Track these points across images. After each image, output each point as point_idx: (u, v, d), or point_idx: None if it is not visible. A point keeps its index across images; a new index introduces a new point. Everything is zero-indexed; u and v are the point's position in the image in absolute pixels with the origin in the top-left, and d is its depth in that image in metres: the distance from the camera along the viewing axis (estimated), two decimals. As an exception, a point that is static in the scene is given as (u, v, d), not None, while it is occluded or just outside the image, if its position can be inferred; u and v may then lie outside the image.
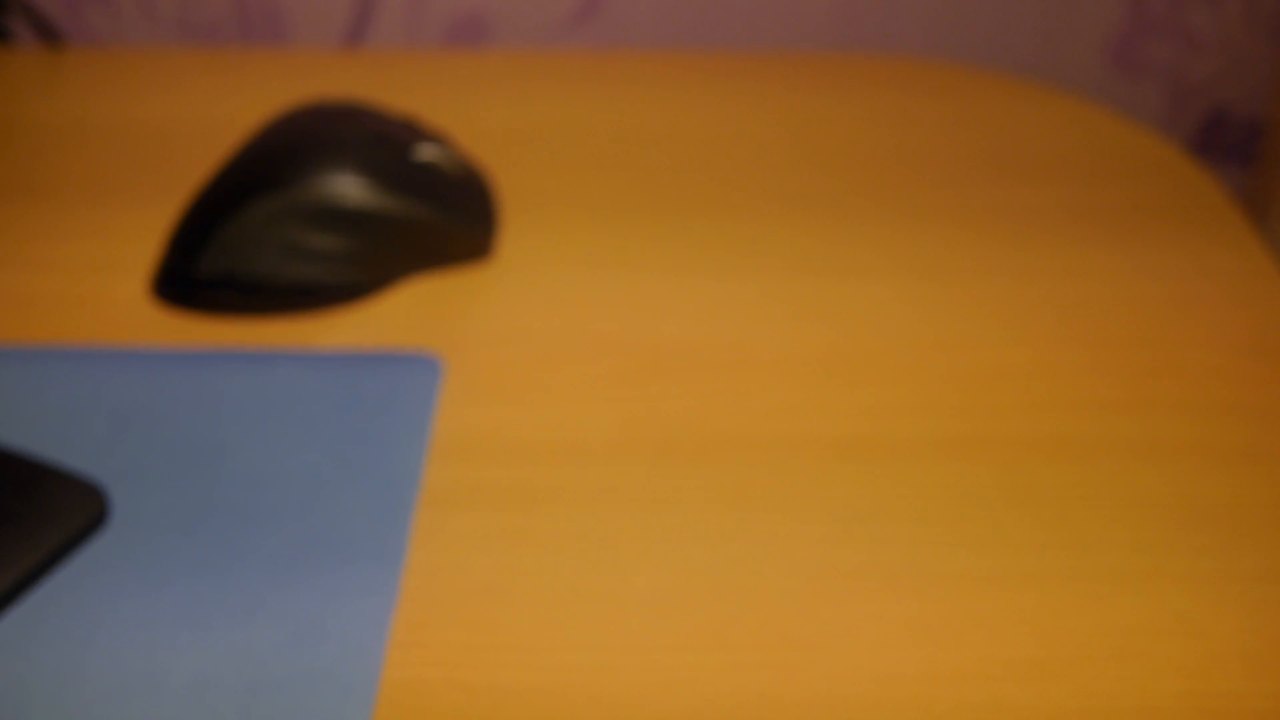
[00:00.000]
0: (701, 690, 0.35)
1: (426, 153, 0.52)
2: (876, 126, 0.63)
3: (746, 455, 0.43)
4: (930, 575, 0.39)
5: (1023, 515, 0.41)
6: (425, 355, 0.47)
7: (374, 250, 0.50)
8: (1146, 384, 0.46)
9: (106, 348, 0.47)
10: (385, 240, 0.50)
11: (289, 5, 0.75)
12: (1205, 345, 0.48)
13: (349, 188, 0.49)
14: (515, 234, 0.54)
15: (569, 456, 0.43)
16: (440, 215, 0.51)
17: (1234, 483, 0.42)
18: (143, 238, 0.53)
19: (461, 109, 0.63)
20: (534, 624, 0.37)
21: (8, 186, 0.58)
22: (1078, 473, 0.42)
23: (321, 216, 0.49)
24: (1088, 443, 0.44)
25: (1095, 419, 0.45)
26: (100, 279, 0.51)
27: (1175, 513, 0.41)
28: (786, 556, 0.39)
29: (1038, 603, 0.38)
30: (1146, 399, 0.45)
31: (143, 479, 0.41)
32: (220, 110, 0.63)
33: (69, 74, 0.68)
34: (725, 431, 0.44)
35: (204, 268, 0.49)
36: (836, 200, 0.57)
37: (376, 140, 0.51)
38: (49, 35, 0.72)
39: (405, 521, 0.40)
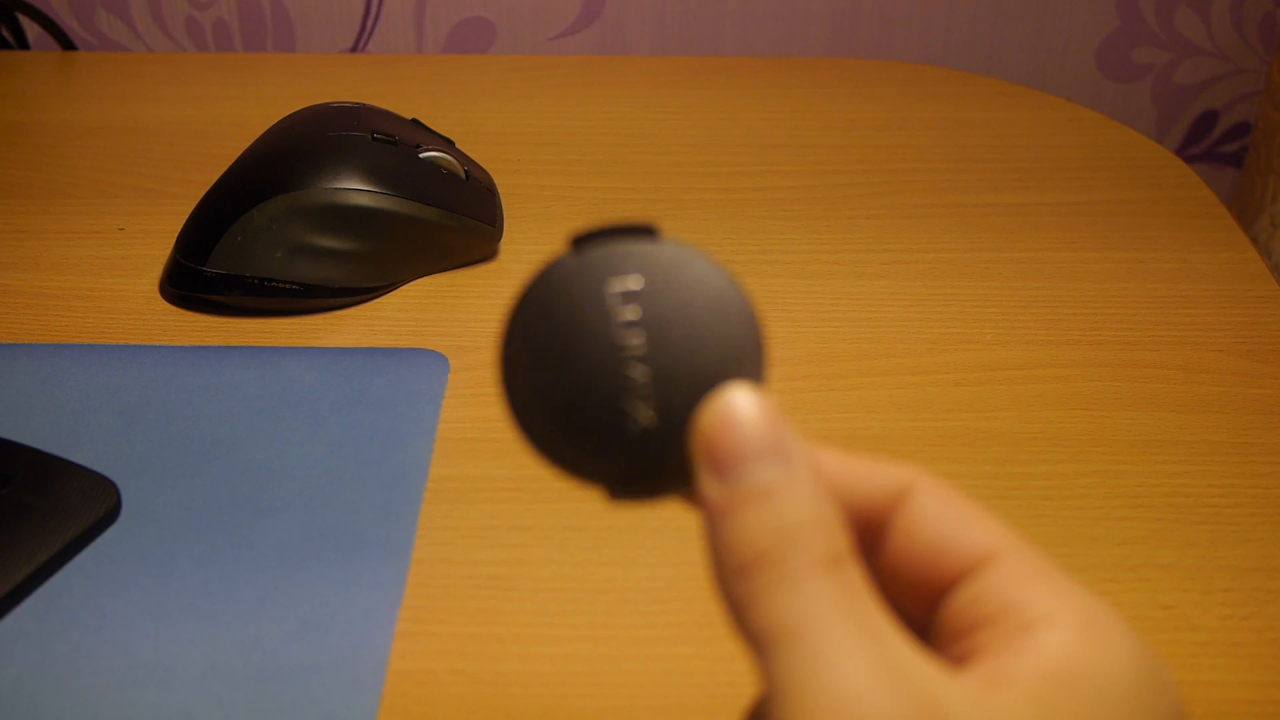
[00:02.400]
0: (700, 680, 0.36)
1: (432, 155, 0.52)
2: (874, 129, 0.64)
3: (745, 451, 0.43)
4: (924, 568, 0.39)
5: (1014, 510, 0.41)
6: (431, 353, 0.48)
7: (380, 251, 0.50)
8: (1136, 380, 0.47)
9: (119, 345, 0.48)
10: (391, 241, 0.50)
11: (299, 15, 0.75)
12: (1194, 343, 0.49)
13: (356, 189, 0.49)
14: (518, 234, 0.55)
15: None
16: (445, 216, 0.51)
17: (1221, 477, 0.42)
18: (153, 238, 0.54)
19: (466, 112, 0.64)
20: (536, 615, 0.38)
21: (22, 188, 0.58)
22: (1068, 468, 0.43)
23: (329, 217, 0.49)
24: (1078, 438, 0.44)
25: (1086, 415, 0.45)
26: (112, 278, 0.52)
27: (1163, 507, 0.41)
28: (783, 550, 0.40)
29: (1029, 595, 0.38)
30: (1136, 395, 0.46)
31: (154, 473, 0.42)
32: (229, 112, 0.64)
33: (82, 78, 0.69)
34: (724, 428, 0.44)
35: (214, 267, 0.49)
36: (833, 202, 0.58)
37: (383, 142, 0.51)
38: (62, 41, 0.73)
39: (411, 515, 0.41)
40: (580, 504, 0.41)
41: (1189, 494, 0.42)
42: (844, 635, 0.20)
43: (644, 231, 0.23)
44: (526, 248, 0.54)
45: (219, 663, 0.36)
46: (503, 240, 0.54)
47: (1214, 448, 0.44)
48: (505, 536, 0.40)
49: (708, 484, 0.22)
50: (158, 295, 0.51)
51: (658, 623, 0.37)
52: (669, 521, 0.41)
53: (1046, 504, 0.41)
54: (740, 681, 0.36)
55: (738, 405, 0.22)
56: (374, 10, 0.75)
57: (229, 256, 0.49)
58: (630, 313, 0.23)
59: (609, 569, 0.39)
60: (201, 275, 0.49)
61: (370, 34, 0.76)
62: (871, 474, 0.24)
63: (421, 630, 0.37)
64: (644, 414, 0.23)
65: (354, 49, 0.77)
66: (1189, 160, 0.79)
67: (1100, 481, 0.42)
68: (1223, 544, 0.40)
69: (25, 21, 0.74)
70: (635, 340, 0.23)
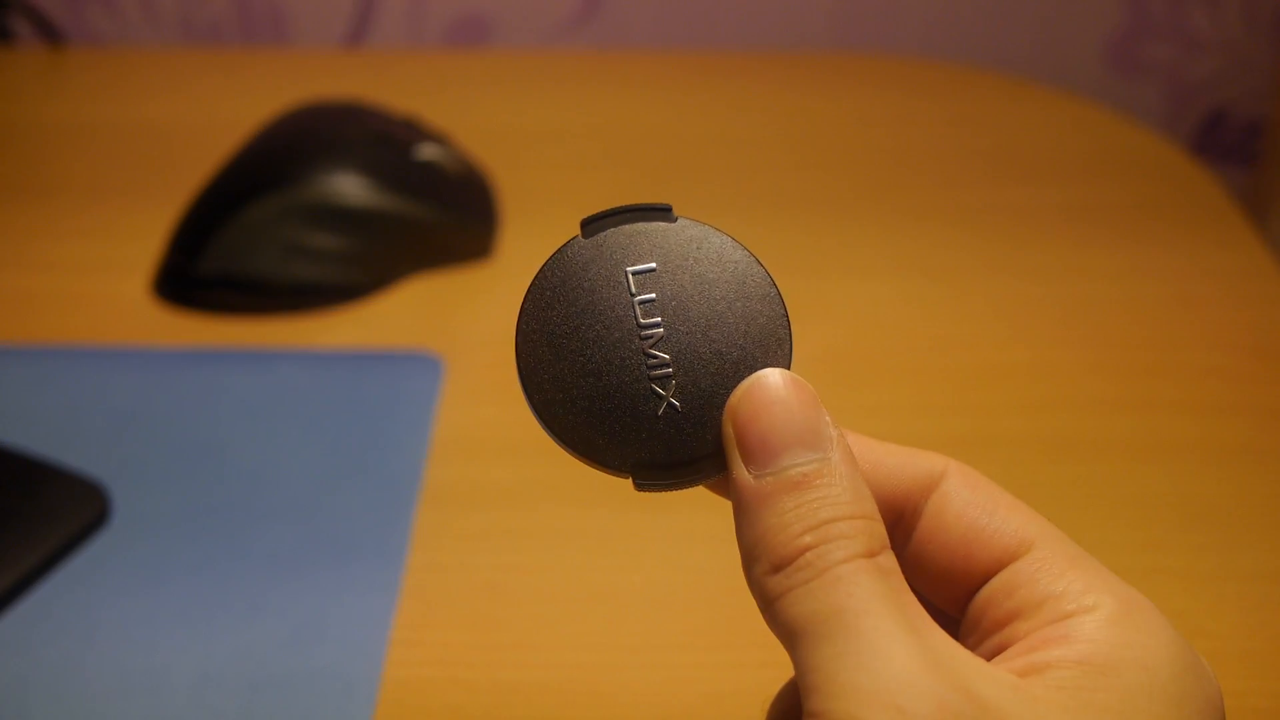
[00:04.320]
0: (701, 688, 0.35)
1: (427, 152, 0.52)
2: (876, 126, 0.63)
3: (747, 454, 0.43)
4: (930, 574, 0.39)
5: (1022, 514, 0.41)
6: (426, 354, 0.47)
7: (375, 249, 0.50)
8: (1146, 382, 0.46)
9: (108, 347, 0.47)
10: (386, 239, 0.50)
11: (291, 6, 0.75)
12: (1205, 344, 0.48)
13: (350, 187, 0.49)
14: (515, 233, 0.54)
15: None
16: (441, 215, 0.51)
17: (1233, 481, 0.42)
18: (145, 237, 0.53)
19: (462, 109, 0.63)
20: (534, 622, 0.37)
21: (10, 186, 0.58)
22: (1077, 471, 0.42)
23: (322, 216, 0.49)
24: (1087, 441, 0.44)
25: (1095, 417, 0.45)
26: (102, 279, 0.51)
27: (1175, 511, 0.41)
28: (786, 555, 0.39)
29: (1037, 601, 0.38)
30: (1146, 397, 0.45)
31: (144, 478, 0.41)
32: (222, 110, 0.63)
33: (71, 74, 0.68)
34: (725, 430, 0.44)
35: (206, 267, 0.49)
36: (836, 200, 0.57)
37: (377, 140, 0.51)
38: (51, 35, 0.72)
39: (406, 520, 0.40)
40: (579, 508, 0.41)
41: (1200, 498, 0.41)
42: (887, 624, 0.20)
43: (657, 210, 0.23)
44: (524, 246, 0.54)
45: (211, 670, 0.35)
46: (500, 238, 0.54)
47: (1226, 451, 0.43)
48: (502, 542, 0.40)
49: (741, 472, 0.21)
50: (149, 296, 0.50)
51: (658, 630, 0.37)
52: (669, 527, 0.40)
53: (1055, 507, 0.40)
54: (741, 689, 0.35)
55: (771, 389, 0.21)
56: (369, 6, 0.75)
57: (221, 256, 0.48)
58: (648, 295, 0.22)
59: (608, 575, 0.39)
60: (194, 275, 0.49)
61: (365, 25, 0.75)
62: (902, 462, 0.23)
63: (417, 637, 0.37)
64: (669, 398, 0.22)
65: (349, 40, 0.76)
66: (1199, 158, 0.79)
67: (1110, 485, 0.42)
68: (1235, 549, 0.39)
69: (12, 15, 0.73)
70: (655, 323, 0.22)
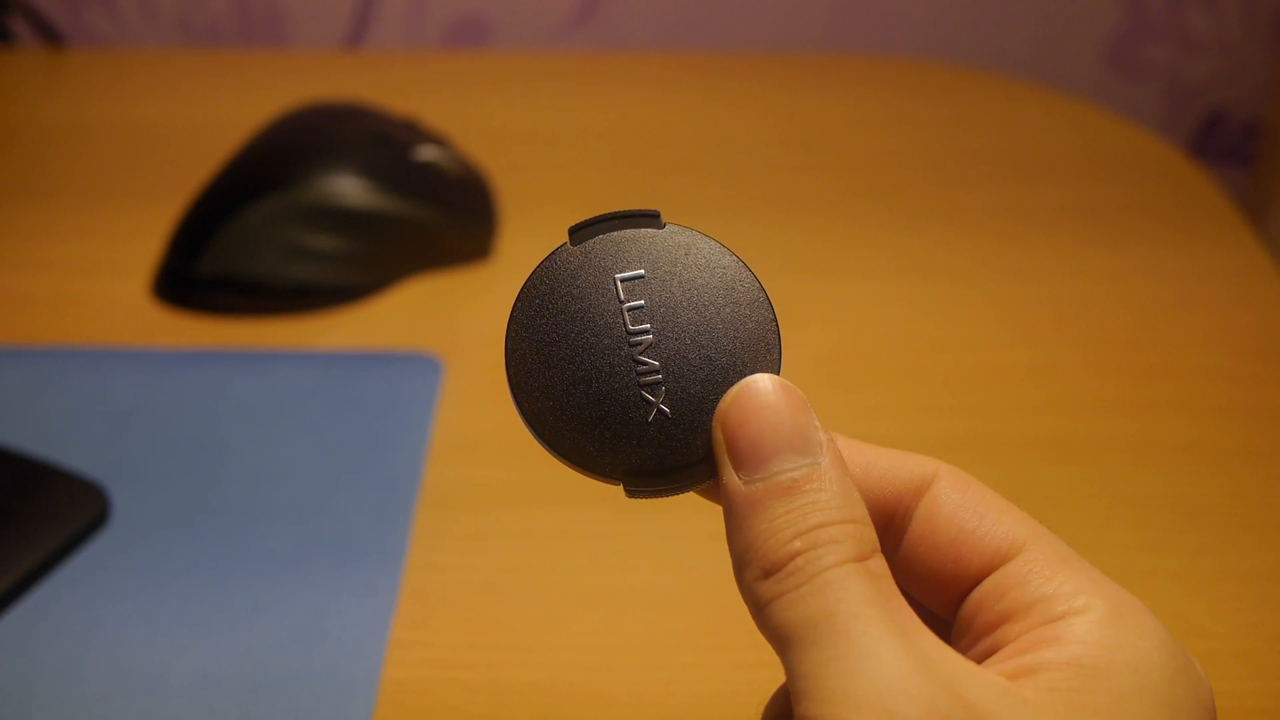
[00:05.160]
0: (700, 689, 0.35)
1: (426, 153, 0.52)
2: (876, 127, 0.63)
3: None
4: (929, 574, 0.39)
5: (1021, 514, 0.41)
6: (425, 355, 0.47)
7: (374, 250, 0.50)
8: (1145, 384, 0.46)
9: (108, 348, 0.47)
10: (385, 240, 0.50)
11: (289, 6, 0.75)
12: (1203, 345, 0.48)
13: (349, 188, 0.49)
14: (514, 233, 0.54)
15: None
16: (440, 216, 0.51)
17: (1232, 482, 0.42)
18: (144, 238, 0.53)
19: (461, 110, 0.63)
20: (533, 623, 0.37)
21: (9, 186, 0.58)
22: (1077, 472, 0.42)
23: (322, 217, 0.49)
24: (1086, 442, 0.43)
25: (1094, 419, 0.44)
26: (101, 279, 0.51)
27: (1173, 512, 0.41)
28: (785, 556, 0.39)
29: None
30: (1145, 399, 0.45)
31: (144, 478, 0.41)
32: (221, 111, 0.63)
33: (70, 75, 0.68)
34: (724, 431, 0.44)
35: (205, 268, 0.49)
36: (835, 201, 0.57)
37: (376, 141, 0.51)
38: (50, 36, 0.72)
39: (406, 521, 0.40)
40: (578, 509, 0.41)
41: (1199, 498, 0.41)
42: (877, 629, 0.20)
43: (645, 217, 0.23)
44: (522, 247, 0.53)
45: (210, 671, 0.35)
46: (499, 239, 0.54)
47: (1225, 452, 0.43)
48: (501, 543, 0.40)
49: (731, 477, 0.21)
50: (148, 297, 0.50)
51: (656, 631, 0.37)
52: (667, 528, 0.40)
53: (1054, 509, 0.41)
54: (741, 690, 0.35)
55: (761, 394, 0.21)
56: (368, 7, 0.74)
57: (220, 257, 0.48)
58: (637, 301, 0.23)
59: (607, 576, 0.39)
60: (193, 276, 0.49)
61: (365, 26, 0.75)
62: (893, 466, 0.23)
63: (416, 638, 0.37)
64: (658, 405, 0.22)
65: (348, 41, 0.76)
66: (1198, 159, 0.79)
67: (1109, 486, 0.42)
68: (1234, 550, 0.39)
69: (11, 16, 0.73)
70: (644, 329, 0.22)
